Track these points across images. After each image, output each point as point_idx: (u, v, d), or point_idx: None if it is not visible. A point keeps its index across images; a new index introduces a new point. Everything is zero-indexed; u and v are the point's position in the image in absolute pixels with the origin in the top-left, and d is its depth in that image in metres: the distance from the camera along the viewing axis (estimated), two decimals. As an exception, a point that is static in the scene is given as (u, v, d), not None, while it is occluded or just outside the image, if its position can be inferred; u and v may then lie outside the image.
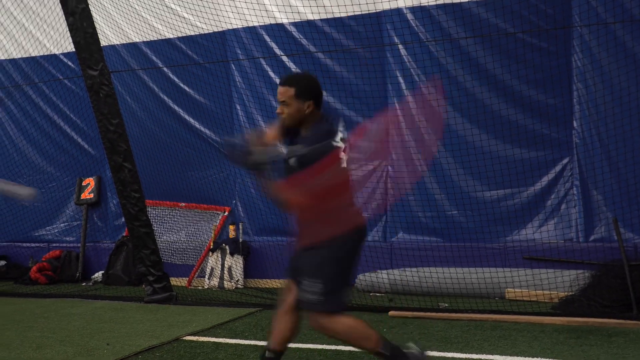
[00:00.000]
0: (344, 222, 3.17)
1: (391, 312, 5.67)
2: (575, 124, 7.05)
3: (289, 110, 3.18)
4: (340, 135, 3.17)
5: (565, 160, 7.11)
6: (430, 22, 7.24)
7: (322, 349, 4.42)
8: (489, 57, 7.02)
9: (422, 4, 7.26)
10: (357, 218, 3.26)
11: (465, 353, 4.30)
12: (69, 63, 9.12)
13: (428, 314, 5.61)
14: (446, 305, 6.06)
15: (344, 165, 3.17)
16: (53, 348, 4.65)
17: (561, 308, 5.66)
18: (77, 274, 8.80)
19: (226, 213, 8.38)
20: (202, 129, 8.50)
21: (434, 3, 7.03)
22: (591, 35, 6.78)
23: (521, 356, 4.20)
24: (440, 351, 4.32)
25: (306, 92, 3.17)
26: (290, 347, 3.62)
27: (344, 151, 3.17)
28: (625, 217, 6.58)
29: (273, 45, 8.04)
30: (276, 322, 3.44)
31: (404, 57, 7.48)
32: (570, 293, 5.86)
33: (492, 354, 4.26)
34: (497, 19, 7.01)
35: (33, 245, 9.41)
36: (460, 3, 7.10)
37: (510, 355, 4.24)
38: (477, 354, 4.28)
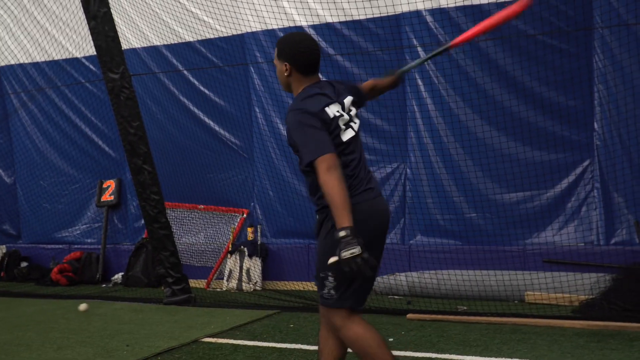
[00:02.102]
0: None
1: (409, 315, 5.65)
2: (596, 126, 6.97)
3: (277, 73, 2.94)
4: (337, 105, 2.83)
5: (586, 163, 7.04)
6: (449, 24, 7.21)
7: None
8: (508, 59, 6.98)
9: (441, 6, 7.24)
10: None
11: (484, 356, 4.27)
12: (91, 66, 9.24)
13: (446, 316, 5.59)
14: (465, 308, 6.02)
15: (344, 139, 2.80)
16: (73, 349, 4.71)
17: (581, 312, 5.60)
18: (98, 276, 8.89)
19: (244, 215, 8.41)
20: (221, 131, 8.55)
21: (453, 5, 7.00)
22: (612, 36, 6.70)
23: (541, 360, 4.17)
24: (459, 354, 4.30)
25: (282, 52, 2.90)
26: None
27: (344, 124, 2.81)
28: (647, 220, 6.51)
29: (292, 48, 8.05)
30: (321, 338, 3.05)
31: (423, 59, 7.46)
32: (591, 296, 5.80)
33: (512, 358, 4.22)
34: (517, 20, 6.95)
35: (54, 246, 9.53)
36: (480, 5, 7.06)
37: (530, 358, 4.21)
38: (496, 357, 4.25)
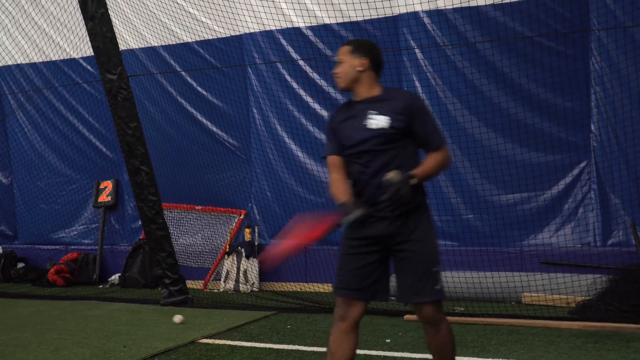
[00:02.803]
0: None
1: (406, 316, 5.66)
2: (592, 128, 7.00)
3: (342, 68, 3.06)
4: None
5: (582, 164, 7.06)
6: (447, 25, 7.23)
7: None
8: (505, 61, 6.99)
9: (438, 8, 7.26)
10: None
11: (482, 357, 4.28)
12: (88, 67, 9.23)
13: (444, 318, 5.58)
14: (462, 309, 6.03)
15: None
16: (70, 350, 4.70)
17: (578, 313, 5.61)
18: (95, 277, 8.88)
19: (242, 216, 8.41)
20: (219, 132, 8.55)
21: (450, 7, 7.02)
22: (609, 38, 6.73)
23: (538, 361, 4.18)
24: (456, 355, 4.30)
25: (361, 48, 3.07)
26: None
27: None
28: (644, 221, 6.52)
29: (290, 49, 8.08)
30: (335, 340, 2.98)
31: (421, 60, 7.48)
32: (588, 298, 5.81)
33: (509, 358, 4.23)
34: (515, 22, 6.98)
35: (51, 247, 9.52)
36: (477, 7, 7.08)
37: (527, 359, 4.22)
38: (493, 358, 4.25)
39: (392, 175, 2.78)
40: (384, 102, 2.99)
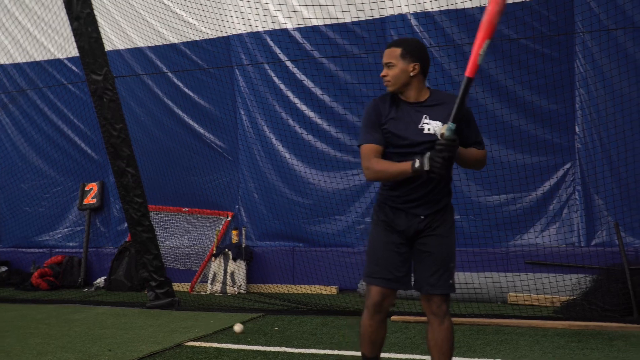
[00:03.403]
0: None
1: (394, 317, 5.67)
2: (577, 129, 7.06)
3: (393, 72, 3.09)
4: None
5: (567, 166, 7.12)
6: (434, 27, 7.26)
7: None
8: (492, 63, 7.04)
9: (425, 10, 7.29)
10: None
11: (468, 357, 4.30)
12: (73, 68, 9.16)
13: (430, 318, 5.60)
14: (448, 310, 6.05)
15: None
16: (54, 354, 4.65)
17: (563, 312, 5.66)
18: (79, 280, 8.81)
19: (229, 218, 8.39)
20: (206, 134, 8.52)
21: (437, 9, 7.06)
22: (593, 41, 6.80)
23: (524, 361, 4.20)
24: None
25: (413, 52, 3.10)
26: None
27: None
28: (626, 221, 6.60)
29: (277, 50, 8.07)
30: (376, 329, 3.23)
31: (407, 62, 7.49)
32: (572, 297, 5.87)
33: (494, 358, 4.26)
34: (501, 24, 6.96)
35: (35, 250, 9.42)
36: (464, 9, 7.12)
37: (512, 359, 4.24)
38: (479, 358, 4.28)
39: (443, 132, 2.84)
40: (436, 106, 3.09)
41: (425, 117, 3.06)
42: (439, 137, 2.86)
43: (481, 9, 7.04)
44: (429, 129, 3.03)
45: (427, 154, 2.85)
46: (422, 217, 3.10)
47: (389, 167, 3.01)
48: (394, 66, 3.09)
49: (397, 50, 3.11)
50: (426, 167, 2.84)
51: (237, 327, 5.11)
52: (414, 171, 2.89)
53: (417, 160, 2.87)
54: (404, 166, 2.93)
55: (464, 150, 3.11)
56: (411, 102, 3.11)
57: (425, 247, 3.12)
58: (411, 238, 3.15)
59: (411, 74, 3.08)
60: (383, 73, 3.14)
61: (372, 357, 3.30)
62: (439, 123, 3.02)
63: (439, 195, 3.12)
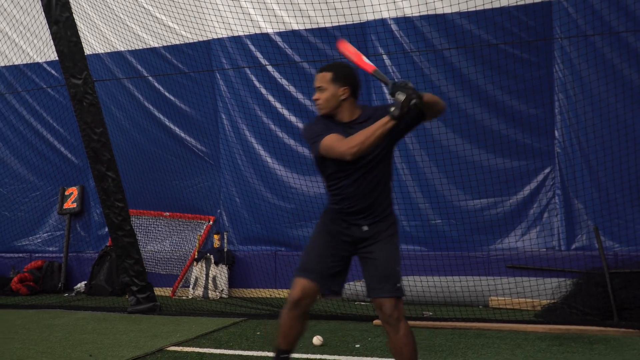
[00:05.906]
0: None
1: (375, 321, 5.68)
2: (556, 134, 7.15)
3: (324, 95, 3.17)
4: None
5: (547, 170, 7.20)
6: (414, 32, 7.31)
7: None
8: (472, 68, 7.11)
9: (406, 15, 7.34)
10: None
11: (449, 361, 4.32)
12: (53, 72, 9.07)
13: (412, 322, 5.59)
14: (430, 313, 6.08)
15: None
16: None
17: (543, 316, 5.71)
18: (60, 285, 8.71)
19: (211, 222, 8.36)
20: (187, 138, 8.49)
21: (417, 14, 7.11)
22: (572, 47, 6.89)
23: (504, 364, 4.23)
24: (425, 359, 4.34)
25: (342, 76, 3.17)
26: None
27: None
28: (606, 225, 6.68)
29: (258, 54, 8.07)
30: (292, 324, 3.28)
31: (388, 67, 7.54)
32: (553, 301, 5.91)
33: (476, 362, 4.28)
34: (480, 30, 7.09)
35: (14, 255, 9.30)
36: (444, 14, 7.18)
37: (494, 363, 4.28)
38: (461, 362, 4.30)
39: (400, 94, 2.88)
40: (367, 122, 3.13)
41: None
42: (391, 110, 2.91)
43: (460, 15, 7.13)
44: None
45: (396, 97, 2.88)
46: (366, 227, 3.20)
47: (366, 131, 2.99)
48: (325, 90, 3.18)
49: (328, 75, 3.19)
50: (403, 102, 2.86)
51: (317, 340, 4.87)
52: (395, 117, 2.91)
53: (391, 108, 2.90)
54: (381, 121, 2.95)
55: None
56: (345, 122, 3.20)
57: (371, 255, 3.19)
58: (355, 247, 3.24)
59: (341, 98, 3.17)
60: (315, 96, 3.22)
61: (283, 350, 3.34)
62: None
63: (381, 207, 3.21)
